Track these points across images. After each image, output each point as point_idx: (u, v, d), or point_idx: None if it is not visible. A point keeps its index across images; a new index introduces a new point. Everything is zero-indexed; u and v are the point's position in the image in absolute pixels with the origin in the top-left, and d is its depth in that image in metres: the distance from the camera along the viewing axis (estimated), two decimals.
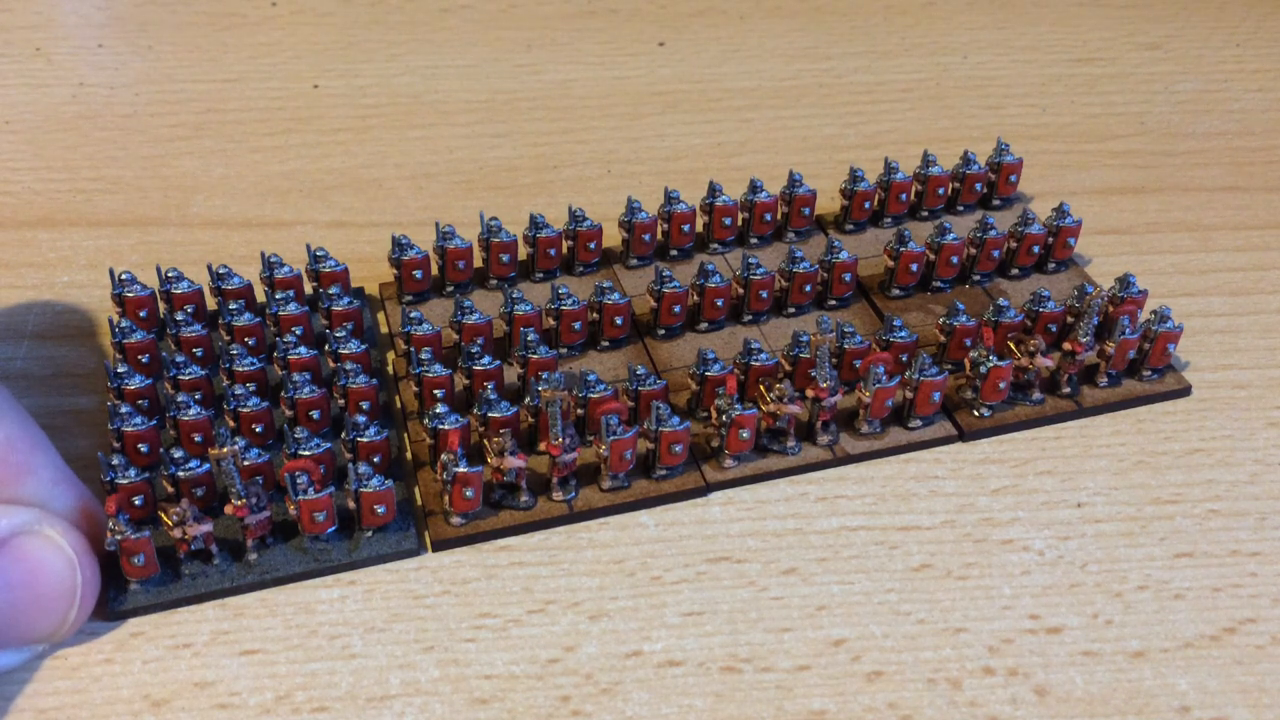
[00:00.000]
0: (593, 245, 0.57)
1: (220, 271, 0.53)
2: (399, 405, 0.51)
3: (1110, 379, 0.52)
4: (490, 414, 0.47)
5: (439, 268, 0.56)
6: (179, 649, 0.42)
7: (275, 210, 0.64)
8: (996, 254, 0.57)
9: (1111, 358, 0.51)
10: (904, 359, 0.51)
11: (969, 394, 0.51)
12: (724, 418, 0.47)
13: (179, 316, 0.51)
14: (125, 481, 0.44)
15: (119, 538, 0.42)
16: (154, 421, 0.47)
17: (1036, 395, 0.51)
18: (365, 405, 0.48)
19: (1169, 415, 0.52)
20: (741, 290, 0.54)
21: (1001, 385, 0.50)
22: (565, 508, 0.47)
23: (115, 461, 0.44)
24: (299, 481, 0.44)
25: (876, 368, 0.48)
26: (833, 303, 0.56)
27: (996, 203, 0.63)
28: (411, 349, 0.49)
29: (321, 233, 0.63)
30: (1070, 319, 0.53)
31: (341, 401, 0.49)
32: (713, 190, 0.59)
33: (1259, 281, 0.60)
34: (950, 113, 0.74)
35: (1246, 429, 0.51)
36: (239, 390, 0.48)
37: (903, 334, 0.51)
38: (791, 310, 0.56)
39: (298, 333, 0.51)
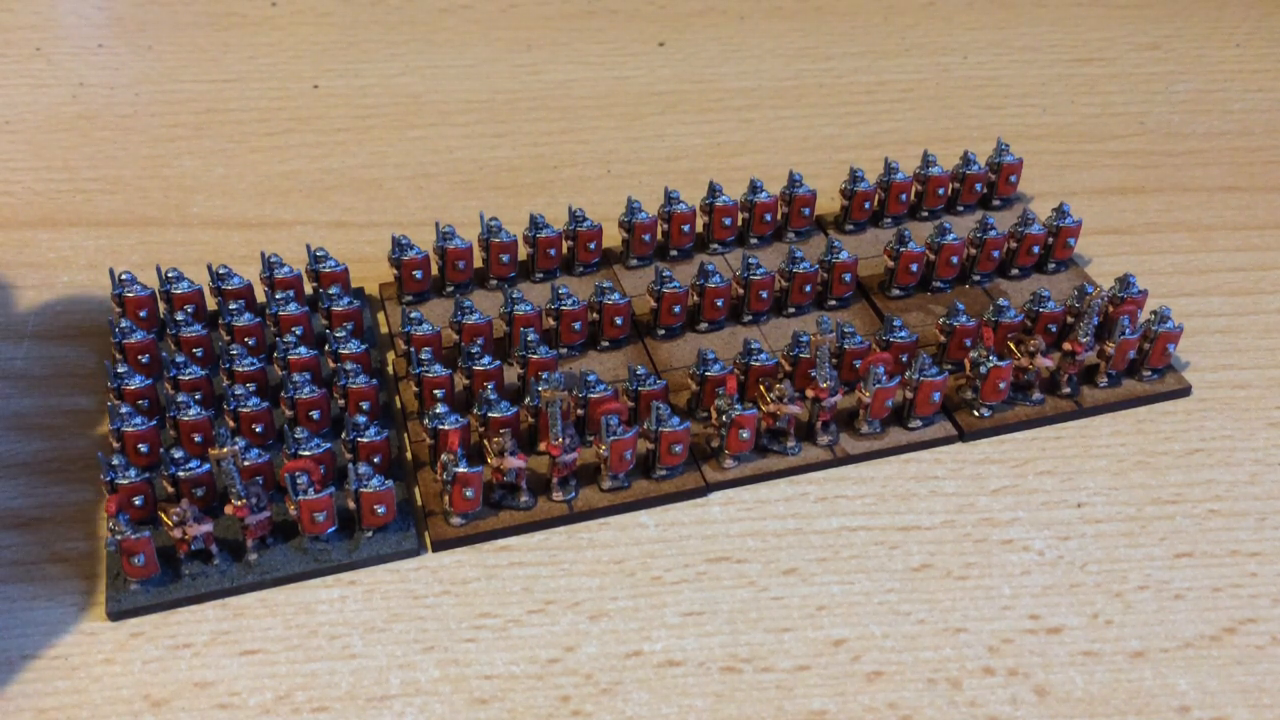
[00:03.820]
0: (593, 245, 0.57)
1: (220, 271, 0.53)
2: (399, 405, 0.51)
3: (1110, 379, 0.52)
4: (490, 414, 0.47)
5: (439, 268, 0.56)
6: (179, 649, 0.42)
7: (275, 210, 0.64)
8: (996, 254, 0.57)
9: (1111, 358, 0.51)
10: (904, 359, 0.51)
11: (969, 394, 0.51)
12: (724, 418, 0.47)
13: (179, 316, 0.51)
14: (125, 481, 0.44)
15: (119, 538, 0.42)
16: (154, 421, 0.47)
17: (1036, 395, 0.51)
18: (365, 405, 0.48)
19: (1169, 415, 0.52)
20: (741, 290, 0.54)
21: (1001, 385, 0.50)
22: (565, 508, 0.47)
23: (115, 461, 0.44)
24: (299, 481, 0.44)
25: (876, 368, 0.48)
26: (833, 303, 0.56)
27: (996, 203, 0.63)
28: (411, 349, 0.49)
29: (321, 233, 0.63)
30: (1070, 319, 0.53)
31: (341, 401, 0.49)
32: (713, 190, 0.59)
33: (1259, 281, 0.60)
34: (950, 113, 0.74)
35: (1246, 429, 0.51)
36: (239, 390, 0.48)
37: (903, 334, 0.51)
38: (791, 310, 0.56)
39: (298, 333, 0.51)
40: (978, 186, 0.62)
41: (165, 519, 0.43)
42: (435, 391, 0.48)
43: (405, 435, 0.50)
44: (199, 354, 0.51)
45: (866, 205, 0.61)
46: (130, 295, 0.53)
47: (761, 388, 0.49)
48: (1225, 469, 0.50)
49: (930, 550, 0.46)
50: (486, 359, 0.50)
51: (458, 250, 0.55)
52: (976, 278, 0.58)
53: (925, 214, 0.62)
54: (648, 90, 0.76)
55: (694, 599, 0.44)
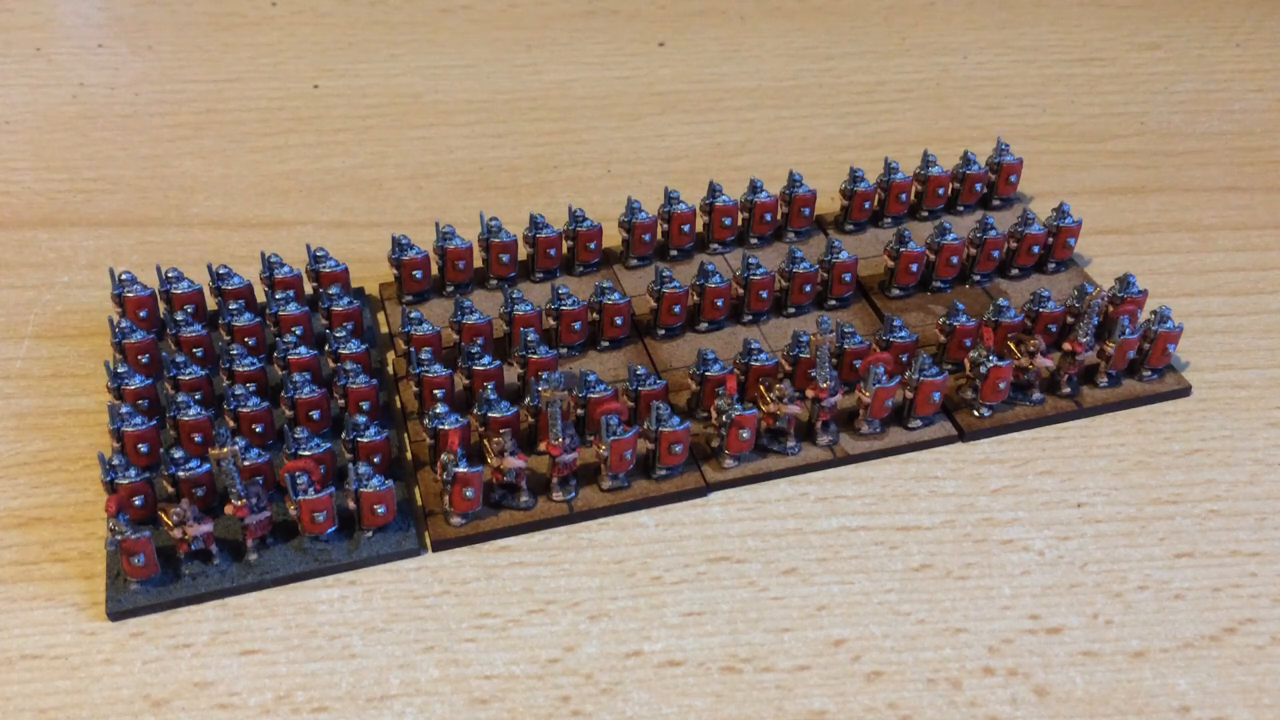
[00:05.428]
0: (593, 245, 0.57)
1: (220, 271, 0.53)
2: (399, 405, 0.51)
3: (1110, 379, 0.52)
4: (490, 414, 0.47)
5: (439, 268, 0.56)
6: (179, 649, 0.42)
7: (275, 210, 0.64)
8: (996, 254, 0.57)
9: (1111, 358, 0.51)
10: (904, 359, 0.51)
11: (969, 394, 0.51)
12: (724, 418, 0.47)
13: (179, 316, 0.51)
14: (125, 481, 0.44)
15: (119, 538, 0.42)
16: (154, 421, 0.47)
17: (1036, 395, 0.51)
18: (365, 405, 0.48)
19: (1169, 415, 0.52)
20: (741, 290, 0.54)
21: (1001, 385, 0.50)
22: (565, 508, 0.47)
23: (115, 461, 0.44)
24: (299, 481, 0.44)
25: (876, 368, 0.48)
26: (833, 303, 0.56)
27: (996, 203, 0.63)
28: (411, 349, 0.49)
29: (321, 233, 0.63)
30: (1070, 319, 0.53)
31: (341, 401, 0.49)
32: (713, 190, 0.59)
33: (1259, 281, 0.60)
34: (950, 113, 0.74)
35: (1246, 429, 0.51)
36: (239, 390, 0.48)
37: (903, 334, 0.51)
38: (791, 310, 0.56)
39: (298, 333, 0.51)
40: (978, 186, 0.62)
41: (165, 519, 0.43)
42: (435, 391, 0.48)
43: (405, 435, 0.50)
44: (199, 354, 0.51)
45: (866, 205, 0.61)
46: (130, 295, 0.53)
47: (761, 388, 0.49)
48: (1225, 469, 0.50)
49: (930, 550, 0.46)
50: (486, 359, 0.50)
51: (458, 250, 0.55)
52: (976, 278, 0.58)
53: (925, 214, 0.62)
54: (648, 90, 0.76)
55: (694, 599, 0.44)
